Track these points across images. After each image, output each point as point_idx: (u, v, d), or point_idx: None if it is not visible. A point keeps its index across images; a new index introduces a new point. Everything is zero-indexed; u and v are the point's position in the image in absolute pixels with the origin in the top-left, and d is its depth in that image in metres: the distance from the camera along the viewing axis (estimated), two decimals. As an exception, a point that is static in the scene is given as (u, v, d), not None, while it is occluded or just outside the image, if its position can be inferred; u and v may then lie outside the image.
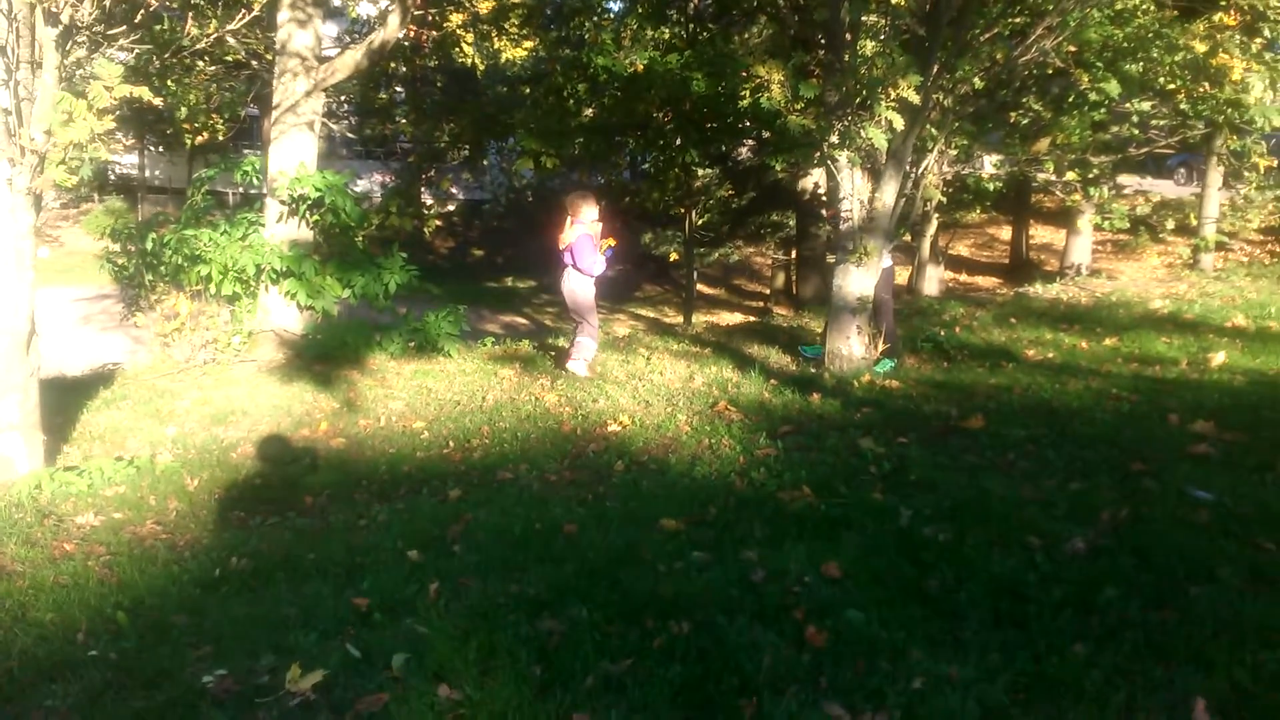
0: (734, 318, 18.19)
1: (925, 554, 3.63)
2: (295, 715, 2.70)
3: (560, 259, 8.08)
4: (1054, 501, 4.21)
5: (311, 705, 2.73)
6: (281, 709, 2.73)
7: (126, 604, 3.66)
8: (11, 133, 5.12)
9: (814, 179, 16.71)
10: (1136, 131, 12.48)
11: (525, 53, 24.39)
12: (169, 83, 13.72)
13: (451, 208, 30.62)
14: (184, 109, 17.28)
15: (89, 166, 5.48)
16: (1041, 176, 12.90)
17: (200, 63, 14.68)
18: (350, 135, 25.16)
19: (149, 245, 8.44)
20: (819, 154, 7.42)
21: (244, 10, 7.57)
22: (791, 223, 20.25)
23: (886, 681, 2.75)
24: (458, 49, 25.30)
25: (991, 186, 13.82)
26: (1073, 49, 8.93)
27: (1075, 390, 6.42)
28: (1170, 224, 15.72)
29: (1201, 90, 11.00)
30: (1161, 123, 12.66)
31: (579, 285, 7.93)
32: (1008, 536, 3.76)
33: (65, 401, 6.71)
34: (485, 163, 28.29)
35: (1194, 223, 14.22)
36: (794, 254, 21.17)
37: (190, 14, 7.80)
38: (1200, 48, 9.93)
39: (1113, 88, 9.40)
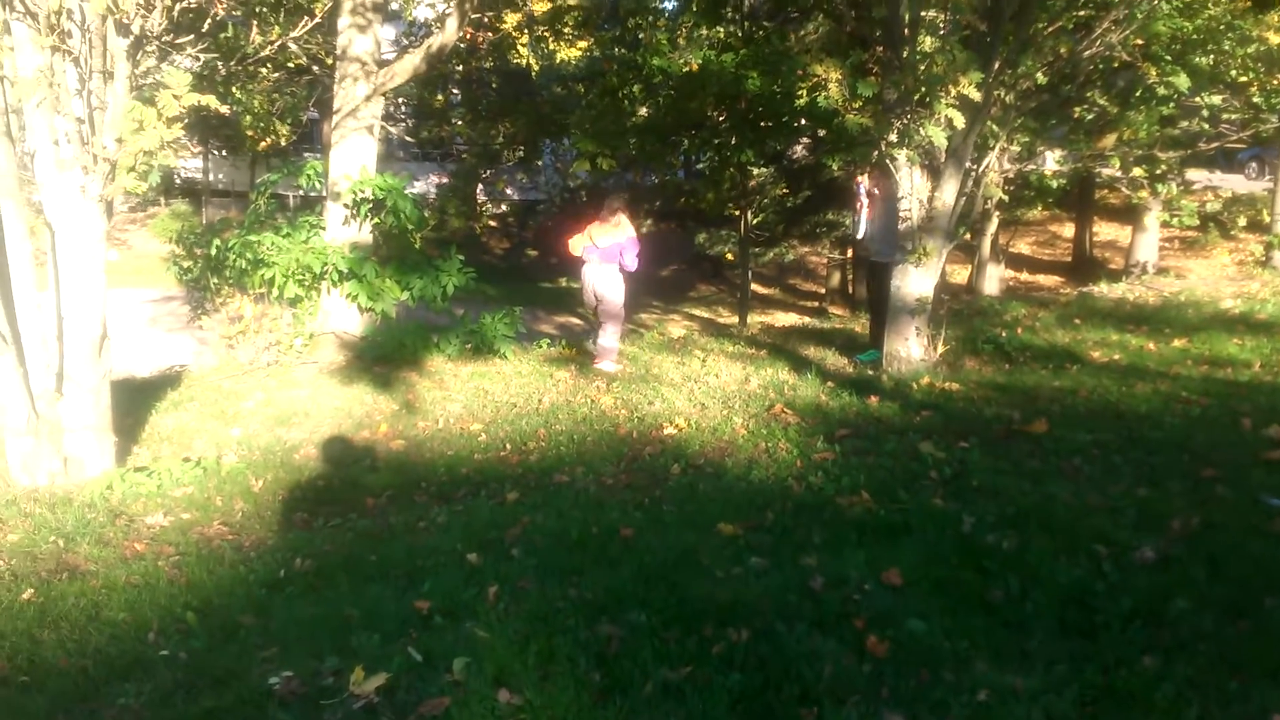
0: (789, 318, 18.07)
1: (989, 562, 3.58)
2: (359, 718, 2.74)
3: (587, 256, 8.37)
4: (1122, 509, 4.11)
5: (375, 708, 2.77)
6: (346, 711, 2.77)
7: (195, 604, 3.74)
8: (85, 141, 5.26)
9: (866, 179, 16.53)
10: (1206, 126, 12.15)
11: (580, 53, 24.52)
12: (234, 89, 14.01)
13: (506, 208, 30.86)
14: (248, 115, 17.64)
15: (157, 173, 5.61)
16: (1107, 173, 12.61)
17: (263, 69, 14.97)
18: (407, 138, 25.49)
19: (214, 250, 8.63)
20: (877, 153, 7.34)
21: (306, 17, 7.70)
22: (848, 221, 20.06)
23: (950, 693, 2.71)
24: (513, 50, 25.53)
25: (1055, 183, 13.55)
26: (1140, 42, 8.72)
27: (1143, 393, 6.27)
28: (1241, 220, 15.25)
29: (1275, 83, 10.66)
30: (1233, 116, 12.31)
31: (616, 282, 8.28)
32: (1074, 545, 3.69)
33: (134, 403, 6.88)
34: (540, 163, 28.48)
35: (1266, 219, 13.82)
36: (850, 253, 20.98)
37: (254, 21, 7.97)
38: (1274, 39, 9.63)
39: (1182, 81, 9.16)
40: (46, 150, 5.35)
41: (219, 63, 9.37)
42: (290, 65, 16.34)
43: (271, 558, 4.28)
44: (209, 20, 6.06)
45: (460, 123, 27.56)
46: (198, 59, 7.54)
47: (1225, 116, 12.38)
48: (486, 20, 21.07)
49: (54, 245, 5.52)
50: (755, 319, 17.28)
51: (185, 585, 3.99)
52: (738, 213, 18.30)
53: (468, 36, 20.16)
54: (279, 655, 3.21)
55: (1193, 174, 15.94)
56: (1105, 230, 23.35)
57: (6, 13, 5.23)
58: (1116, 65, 9.95)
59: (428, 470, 5.80)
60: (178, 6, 5.51)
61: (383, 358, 8.17)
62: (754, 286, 20.06)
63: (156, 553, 4.44)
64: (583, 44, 23.48)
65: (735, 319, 18.20)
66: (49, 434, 5.50)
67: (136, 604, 3.77)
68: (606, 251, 8.27)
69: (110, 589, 3.92)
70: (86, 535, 4.66)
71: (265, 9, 11.29)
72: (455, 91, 27.98)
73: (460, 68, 25.81)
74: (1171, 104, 10.85)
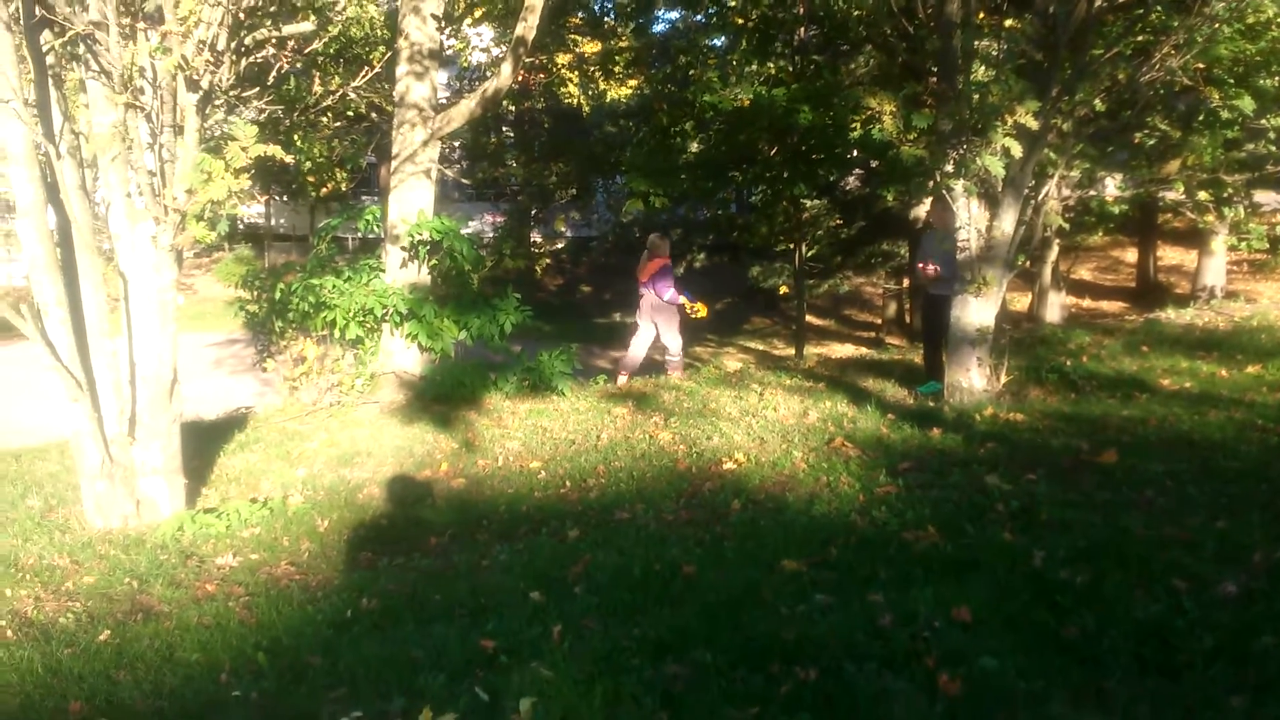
0: (845, 349, 17.92)
1: (1062, 598, 3.49)
2: (428, 759, 2.74)
3: (640, 290, 10.33)
4: (1200, 541, 3.99)
5: (443, 748, 2.77)
6: (414, 752, 2.78)
7: (265, 644, 3.79)
8: (156, 193, 5.44)
9: (926, 207, 16.42)
10: (1274, 148, 11.86)
11: (630, 91, 24.80)
12: (295, 138, 14.40)
13: (560, 245, 31.16)
14: (309, 163, 18.09)
15: (225, 222, 5.77)
16: (1170, 197, 12.37)
17: (324, 118, 15.37)
18: (463, 179, 25.91)
19: (277, 293, 8.83)
20: (933, 184, 7.29)
21: (366, 67, 7.90)
22: (903, 251, 19.91)
23: (1027, 734, 2.64)
24: (564, 90, 25.91)
25: (1116, 209, 13.32)
26: (1200, 66, 8.57)
27: (1217, 421, 6.10)
28: (1312, 242, 14.85)
29: (1341, 102, 10.39)
30: (1301, 138, 12.00)
31: (663, 310, 10.20)
32: (1151, 579, 3.59)
33: (202, 445, 7.04)
34: (593, 200, 28.75)
35: (1338, 239, 13.43)
36: (906, 283, 20.80)
37: (316, 73, 8.22)
38: (1339, 57, 9.41)
39: (1246, 104, 8.97)
40: (119, 202, 5.55)
41: (282, 113, 9.65)
42: (350, 113, 16.75)
43: (338, 597, 4.33)
44: (274, 73, 6.25)
45: (514, 163, 27.96)
46: (262, 110, 7.78)
47: (1292, 138, 12.08)
48: (539, 62, 21.44)
49: (126, 293, 5.70)
50: (811, 351, 17.17)
51: (255, 625, 4.05)
52: (791, 245, 18.25)
53: (521, 78, 20.52)
54: (347, 695, 3.23)
55: (1260, 196, 15.56)
56: (1170, 255, 22.86)
57: (82, 71, 5.46)
58: (1177, 89, 9.78)
59: (489, 508, 5.83)
60: (244, 62, 5.70)
61: (442, 396, 8.26)
62: (809, 318, 19.96)
63: (227, 593, 4.51)
64: (633, 82, 23.74)
65: (791, 351, 18.10)
66: (122, 477, 5.65)
67: (209, 645, 3.84)
68: (650, 284, 10.17)
69: (183, 630, 3.99)
70: (159, 576, 4.76)
71: (326, 60, 11.61)
72: (508, 132, 28.43)
73: (513, 109, 26.25)
74: (1236, 127, 10.63)
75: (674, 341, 10.28)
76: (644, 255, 10.52)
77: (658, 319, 10.26)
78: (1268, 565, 3.67)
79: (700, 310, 10.44)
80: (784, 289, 22.62)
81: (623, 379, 9.64)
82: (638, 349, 10.38)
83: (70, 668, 3.66)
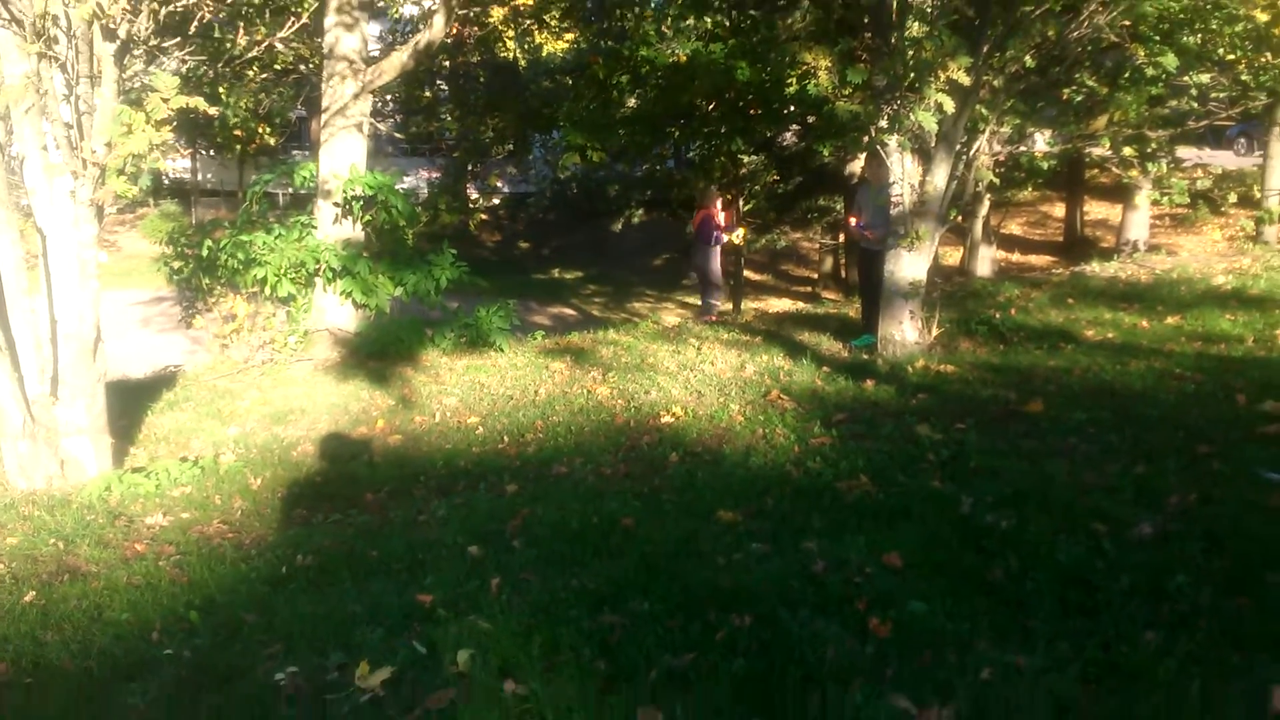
0: (783, 304, 18.06)
1: (988, 542, 3.60)
2: (366, 712, 2.74)
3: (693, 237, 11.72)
4: (1119, 486, 4.13)
5: (381, 701, 2.78)
6: (352, 705, 2.78)
7: (198, 603, 3.74)
8: (74, 146, 5.25)
9: (861, 162, 16.53)
10: (1195, 104, 12.15)
11: (567, 45, 24.44)
12: (220, 90, 13.95)
13: (497, 201, 30.78)
14: (235, 116, 17.55)
15: (148, 176, 5.59)
16: (1097, 153, 12.61)
17: (250, 70, 14.90)
18: (396, 134, 25.39)
19: (205, 250, 8.61)
20: (868, 139, 7.34)
21: (292, 17, 7.66)
22: (839, 206, 20.05)
23: (954, 673, 2.72)
24: (500, 44, 25.43)
25: (1045, 164, 13.55)
26: (1127, 23, 8.70)
27: (1137, 371, 6.30)
28: (1232, 197, 15.27)
29: (1263, 60, 10.67)
30: (1221, 95, 12.31)
31: (702, 255, 11.33)
32: (1073, 523, 3.71)
33: (130, 404, 6.88)
34: (530, 156, 28.41)
35: (1256, 194, 13.82)
36: (842, 238, 20.98)
37: (240, 23, 7.94)
38: (1262, 17, 9.63)
39: (1170, 61, 9.14)
40: (35, 156, 5.34)
41: (206, 65, 9.34)
42: (277, 66, 16.26)
43: (272, 555, 4.28)
44: (195, 23, 6.04)
45: (449, 118, 27.45)
46: (185, 62, 7.52)
47: (1214, 95, 12.38)
48: (473, 15, 20.98)
49: (45, 250, 5.51)
50: (749, 305, 17.28)
51: (187, 584, 4.00)
52: (729, 200, 18.27)
53: (454, 31, 20.08)
54: (283, 651, 3.21)
55: (1182, 152, 15.97)
56: (1096, 209, 23.37)
57: (-9, 17, 5.21)
58: (1104, 46, 9.94)
59: (426, 464, 5.80)
60: (164, 10, 5.49)
61: (377, 353, 8.17)
62: (746, 273, 20.03)
63: (157, 553, 4.44)
64: (570, 36, 23.38)
65: (729, 306, 18.20)
66: (45, 437, 5.50)
67: (139, 604, 3.78)
68: (696, 231, 11.56)
69: (112, 590, 3.92)
70: (86, 537, 4.66)
71: (251, 10, 11.22)
72: (443, 86, 27.86)
73: (447, 63, 25.70)
74: (1160, 84, 10.84)
75: (709, 290, 11.49)
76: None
77: (697, 264, 11.65)
78: (1183, 508, 3.82)
79: (736, 236, 11.84)
80: (741, 239, 22.60)
81: (709, 316, 10.89)
82: (707, 293, 11.66)
83: (-6, 630, 3.58)
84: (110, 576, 4.08)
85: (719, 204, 11.67)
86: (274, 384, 7.63)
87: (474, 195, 29.14)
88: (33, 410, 5.48)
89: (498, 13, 23.38)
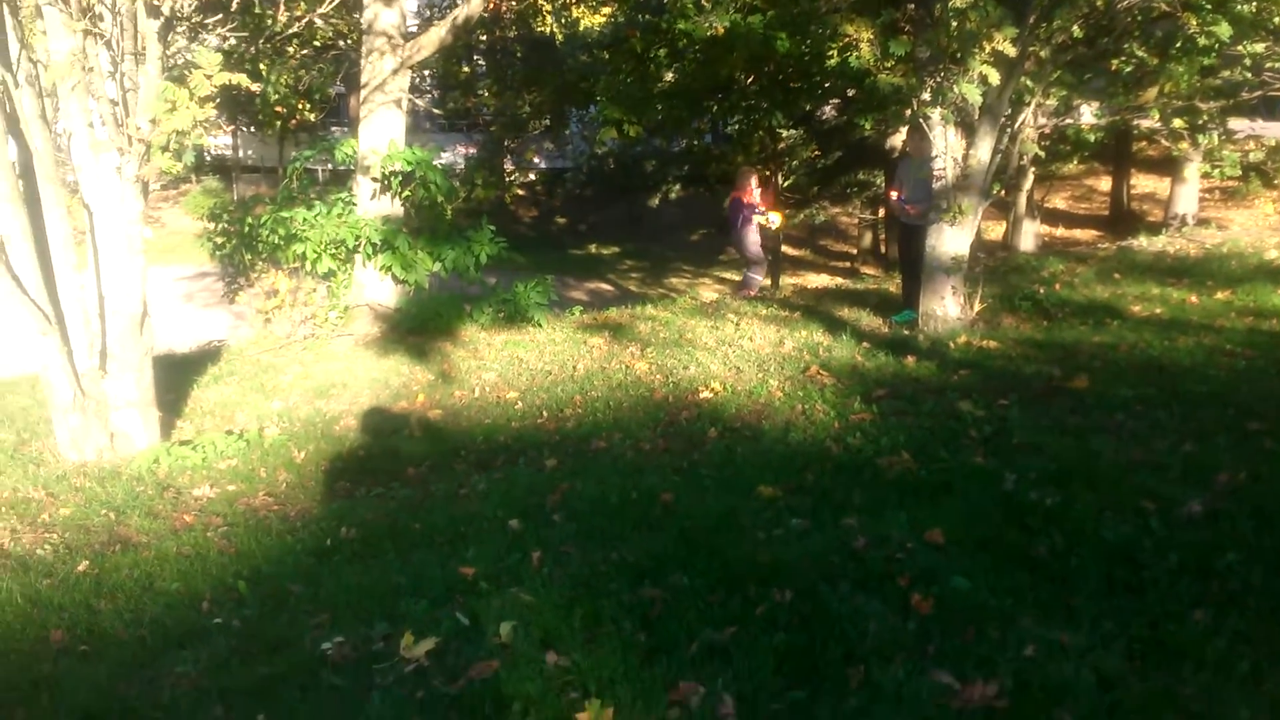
0: (821, 279, 17.93)
1: (1032, 519, 3.56)
2: (411, 681, 2.79)
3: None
4: (1167, 464, 4.07)
5: (425, 671, 2.82)
6: (397, 675, 2.82)
7: (246, 573, 3.81)
8: (119, 123, 5.31)
9: (903, 136, 16.31)
10: (1249, 75, 11.80)
11: (604, 19, 24.29)
12: (261, 66, 14.05)
13: (534, 176, 30.77)
14: (276, 93, 17.64)
15: (191, 153, 5.65)
16: (1145, 124, 12.33)
17: (290, 46, 14.97)
18: (434, 110, 25.42)
19: (246, 226, 8.69)
20: (910, 112, 7.23)
21: (332, -9, 7.67)
22: (879, 181, 19.81)
23: (996, 649, 2.71)
24: (537, 18, 25.33)
25: (1092, 137, 13.27)
26: (1179, -10, 8.46)
27: (1186, 347, 6.18)
28: (1285, 169, 14.93)
29: (1320, 28, 10.32)
30: (1276, 64, 11.94)
31: (736, 235, 11.39)
32: (1119, 501, 3.66)
33: (176, 378, 6.99)
34: (567, 131, 28.34)
35: (1311, 167, 13.49)
36: (881, 213, 20.75)
37: (281, -1, 8.01)
38: (1319, -17, 9.30)
39: (1223, 30, 8.84)
40: (81, 133, 5.42)
41: (247, 41, 9.39)
42: (317, 42, 16.32)
43: (317, 527, 4.35)
44: (237, -2, 6.07)
45: (486, 93, 27.43)
46: (226, 38, 7.57)
47: (1268, 64, 12.01)
48: (510, -12, 20.95)
49: (92, 226, 5.60)
50: (787, 281, 17.18)
51: (235, 555, 4.07)
52: (768, 175, 18.13)
53: (492, 6, 20.03)
54: (329, 622, 3.27)
55: (1234, 123, 15.57)
56: (1143, 183, 22.89)
57: (38, -5, 5.28)
58: (1155, 16, 9.67)
59: (466, 439, 5.85)
60: (206, -16, 5.53)
61: (417, 328, 8.23)
62: (785, 248, 19.89)
63: (205, 524, 4.53)
64: (607, 10, 23.22)
65: (767, 281, 18.10)
66: (95, 410, 5.61)
67: (189, 574, 3.86)
68: (728, 213, 11.58)
69: (162, 560, 4.01)
70: (136, 508, 4.76)
71: (291, -16, 11.25)
72: (480, 62, 27.83)
73: (485, 38, 25.66)
74: (1213, 54, 10.52)
75: (749, 266, 11.56)
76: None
77: (734, 242, 11.90)
78: (1232, 486, 3.75)
79: (772, 220, 11.53)
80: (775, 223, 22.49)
81: (747, 292, 10.91)
82: (747, 269, 11.71)
83: (50, 598, 3.68)
84: (160, 547, 4.17)
85: (753, 183, 11.56)
86: (316, 359, 7.72)
87: (511, 170, 29.16)
88: (82, 384, 5.59)
89: (535, -14, 23.32)
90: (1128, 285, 8.47)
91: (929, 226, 7.32)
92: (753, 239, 11.42)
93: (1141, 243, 10.99)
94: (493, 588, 3.36)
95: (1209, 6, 9.37)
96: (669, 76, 16.16)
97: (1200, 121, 11.40)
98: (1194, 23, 9.34)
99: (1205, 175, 14.84)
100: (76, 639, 3.34)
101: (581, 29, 26.00)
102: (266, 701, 2.79)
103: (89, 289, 5.66)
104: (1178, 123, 11.22)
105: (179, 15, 5.43)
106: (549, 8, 24.90)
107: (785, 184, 18.92)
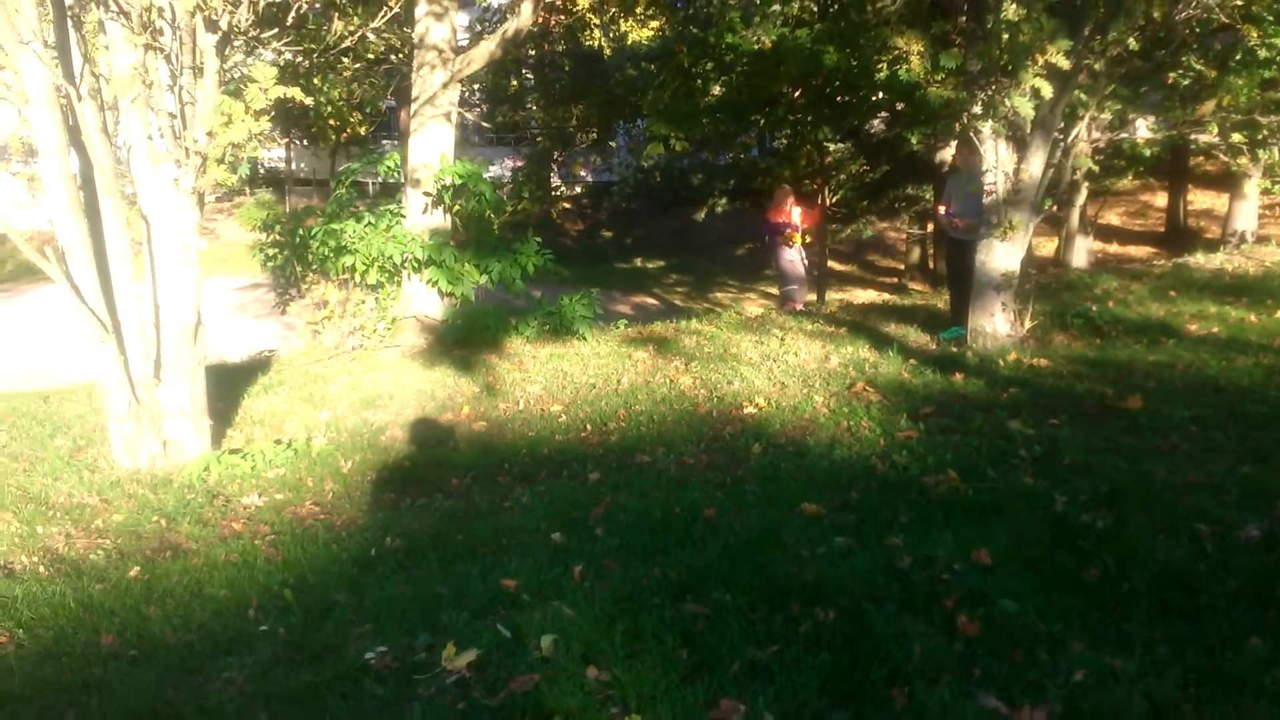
0: (868, 295, 17.80)
1: (1083, 542, 3.48)
2: (452, 692, 2.79)
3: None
4: (1224, 486, 3.96)
5: (467, 683, 2.82)
6: (439, 686, 2.83)
7: (292, 582, 3.86)
8: (177, 135, 5.43)
9: (952, 150, 16.15)
10: (1312, 88, 11.54)
11: (652, 33, 24.40)
12: (314, 80, 14.31)
13: (580, 190, 30.95)
14: (329, 106, 17.95)
15: (246, 165, 5.76)
16: (1203, 139, 12.08)
17: (343, 60, 15.25)
18: (482, 123, 25.69)
19: (297, 238, 8.83)
20: (960, 126, 7.15)
21: (385, 8, 7.80)
22: (927, 195, 19.64)
23: (1045, 674, 2.65)
24: (585, 32, 25.52)
25: (1148, 151, 13.04)
26: (1239, 2, 8.30)
27: (1244, 367, 6.03)
28: (1347, 186, 14.51)
29: (1384, 40, 10.06)
30: (1338, 77, 11.66)
31: (778, 251, 11.86)
32: (1174, 524, 3.57)
33: (227, 387, 7.11)
34: (613, 145, 28.47)
35: (1374, 183, 13.11)
36: (930, 228, 20.55)
37: (335, 14, 8.12)
38: (1384, -7, 9.07)
39: (1285, 42, 8.70)
40: (141, 145, 5.55)
41: (301, 55, 9.57)
42: (369, 56, 16.60)
43: (362, 537, 4.39)
44: (293, 14, 6.19)
45: (534, 106, 27.66)
46: (281, 52, 7.71)
47: (1330, 77, 11.73)
48: (559, 3, 21.10)
49: (149, 237, 5.72)
50: (833, 296, 17.07)
51: (281, 563, 4.12)
52: (815, 189, 18.05)
53: (540, 20, 20.22)
54: (373, 631, 3.29)
55: (1295, 138, 15.22)
56: (1200, 199, 22.43)
57: (101, 12, 5.42)
58: (1214, 27, 9.50)
59: (510, 451, 5.87)
60: (263, 2, 5.64)
61: (463, 340, 8.29)
62: (831, 263, 19.78)
63: (253, 532, 4.59)
64: (654, 24, 23.33)
65: (813, 296, 18.01)
66: (149, 418, 5.72)
67: (236, 581, 3.91)
68: (764, 229, 12.12)
69: (211, 567, 4.07)
70: (187, 515, 4.84)
71: (345, 1, 11.46)
72: (529, 75, 28.09)
73: (533, 51, 25.90)
74: (1274, 66, 10.31)
75: (785, 282, 12.03)
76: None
77: (776, 261, 12.15)
78: (1292, 510, 3.64)
79: (796, 237, 11.82)
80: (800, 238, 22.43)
81: (790, 308, 11.13)
82: (787, 286, 12.12)
83: (102, 602, 3.74)
84: (209, 554, 4.23)
85: (789, 202, 11.91)
86: (363, 370, 7.81)
87: (557, 184, 29.34)
88: (137, 392, 5.70)
89: (584, 1, 23.48)
90: (1184, 303, 8.29)
91: (979, 241, 7.23)
92: (787, 256, 11.81)
93: (1198, 260, 10.76)
94: (534, 600, 3.36)
95: (1270, 18, 9.19)
96: (716, 90, 16.17)
97: (1260, 136, 11.14)
98: (1254, 34, 9.17)
99: (1265, 191, 14.49)
100: (127, 643, 3.40)
101: (629, 43, 26.14)
102: (310, 709, 2.81)
103: (145, 299, 5.79)
104: (1236, 137, 10.98)
105: (236, 30, 5.55)
106: (597, 21, 25.08)
107: (833, 199, 18.82)
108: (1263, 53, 9.32)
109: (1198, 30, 8.77)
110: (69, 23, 5.55)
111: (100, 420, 6.02)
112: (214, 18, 5.30)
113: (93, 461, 5.84)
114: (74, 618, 3.63)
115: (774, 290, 21.79)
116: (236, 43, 5.72)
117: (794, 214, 11.89)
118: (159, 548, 4.40)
